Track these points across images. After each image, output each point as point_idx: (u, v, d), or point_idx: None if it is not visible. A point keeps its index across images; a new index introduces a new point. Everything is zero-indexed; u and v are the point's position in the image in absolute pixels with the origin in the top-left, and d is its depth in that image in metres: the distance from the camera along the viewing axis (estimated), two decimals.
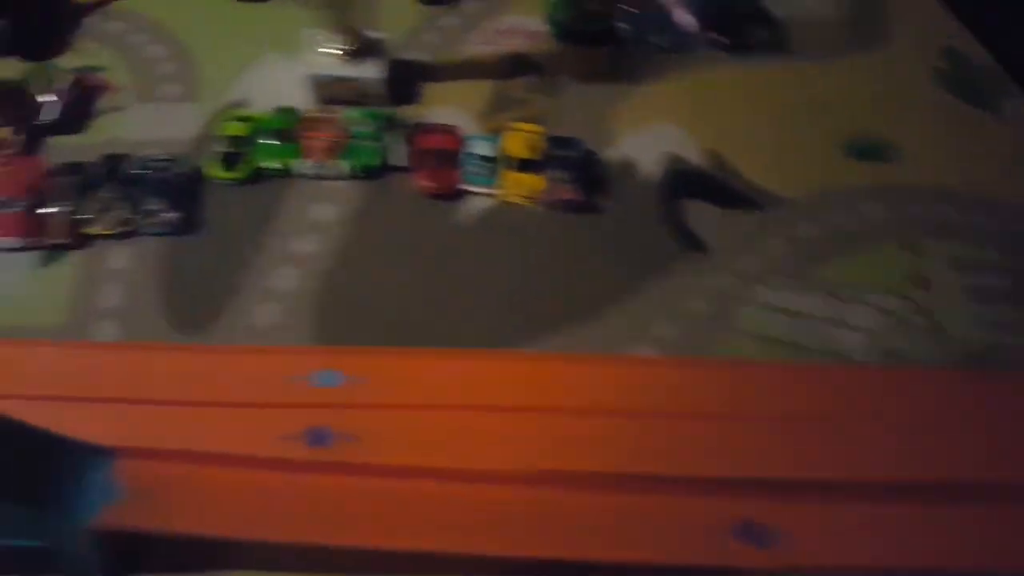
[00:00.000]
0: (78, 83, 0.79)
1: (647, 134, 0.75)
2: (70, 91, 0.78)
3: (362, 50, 0.78)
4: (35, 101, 0.77)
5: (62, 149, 0.75)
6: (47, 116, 0.76)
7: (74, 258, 0.67)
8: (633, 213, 0.69)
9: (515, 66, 0.84)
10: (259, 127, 0.74)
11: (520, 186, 0.71)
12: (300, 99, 0.78)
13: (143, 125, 0.77)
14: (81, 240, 0.67)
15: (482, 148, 0.73)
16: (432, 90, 0.81)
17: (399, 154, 0.73)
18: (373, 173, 0.73)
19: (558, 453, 0.53)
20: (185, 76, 0.82)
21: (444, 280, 0.66)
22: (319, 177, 0.72)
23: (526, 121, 0.76)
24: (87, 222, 0.67)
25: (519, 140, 0.73)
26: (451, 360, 0.60)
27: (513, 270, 0.67)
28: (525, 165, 0.72)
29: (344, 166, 0.72)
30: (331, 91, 0.78)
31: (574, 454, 0.53)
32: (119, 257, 0.67)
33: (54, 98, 0.77)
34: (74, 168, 0.71)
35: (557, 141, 0.73)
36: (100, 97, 0.80)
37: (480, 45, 0.86)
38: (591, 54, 0.84)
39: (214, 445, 0.53)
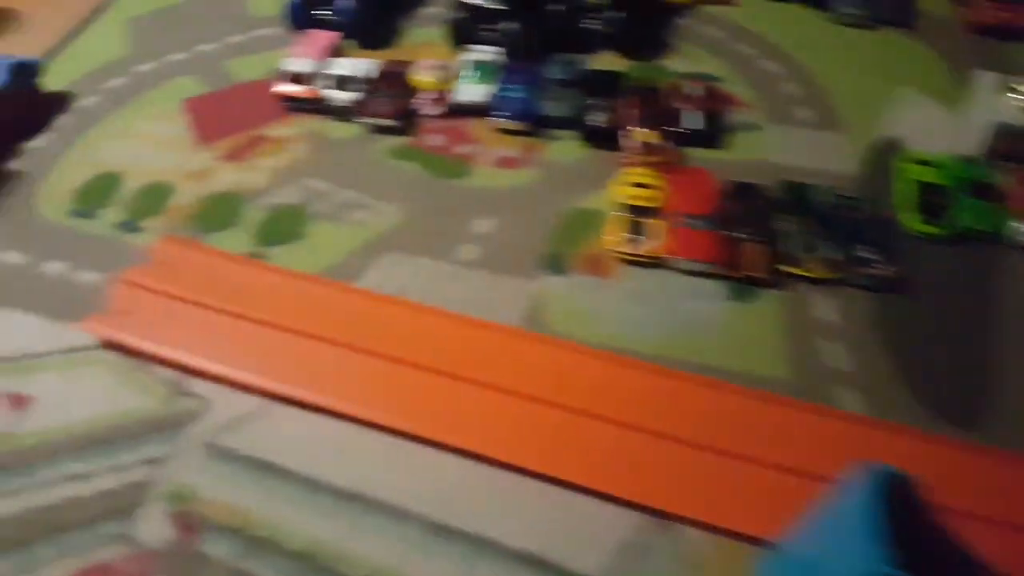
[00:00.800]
0: (711, 93, 0.70)
1: None
2: (704, 100, 0.69)
3: None
4: (670, 105, 0.69)
5: (702, 164, 0.66)
6: (690, 125, 0.67)
7: (771, 297, 0.56)
8: None
9: None
10: (953, 177, 0.62)
11: None
12: (965, 146, 0.65)
13: (784, 150, 0.68)
14: (777, 277, 0.57)
15: None
16: None
17: None
18: None
19: None
20: (815, 101, 0.72)
21: None
22: None
23: None
24: (788, 258, 0.57)
25: None
26: None
27: None
28: None
29: None
30: (1017, 144, 0.65)
31: None
32: (824, 307, 0.56)
33: (690, 106, 0.68)
34: (745, 189, 0.62)
35: None
36: (730, 111, 0.70)
37: None
38: None
39: None
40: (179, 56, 0.81)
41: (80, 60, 0.80)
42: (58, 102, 0.76)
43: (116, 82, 0.78)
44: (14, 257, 0.62)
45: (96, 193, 0.67)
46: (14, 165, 0.70)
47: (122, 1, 0.89)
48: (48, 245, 0.63)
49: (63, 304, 0.58)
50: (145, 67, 0.80)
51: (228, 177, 0.68)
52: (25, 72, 0.73)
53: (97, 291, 0.59)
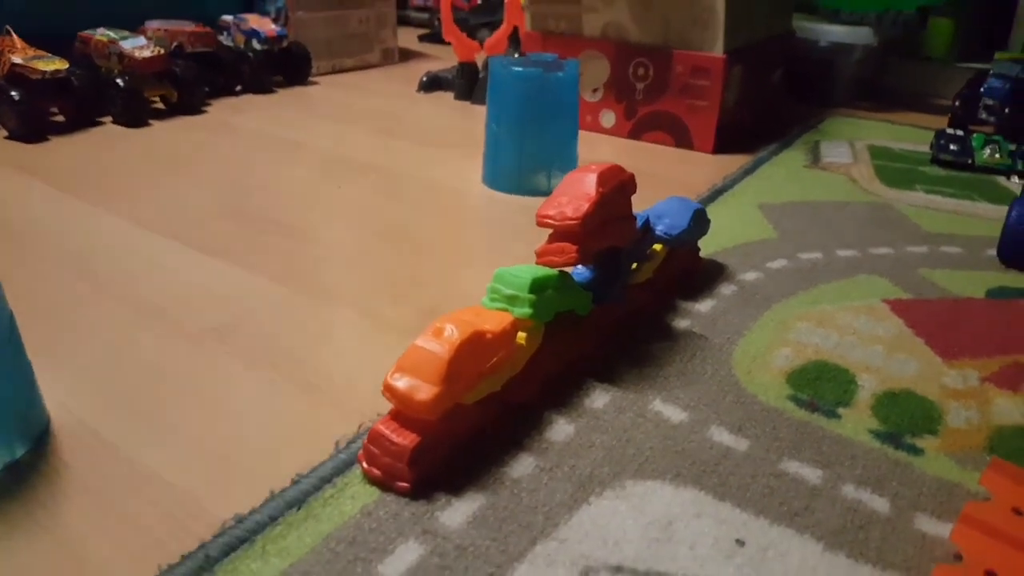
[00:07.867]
0: None
1: None
2: None
3: None
4: None
5: None
6: None
7: None
8: None
9: None
10: None
11: None
12: None
13: None
14: None
15: None
16: None
17: None
18: None
19: None
20: None
21: None
22: None
23: None
24: None
25: None
26: None
27: None
28: None
29: None
30: None
31: None
32: None
33: None
34: None
35: None
36: None
37: None
38: None
39: None
40: (848, 252, 0.63)
41: (718, 232, 0.65)
42: (715, 268, 0.59)
43: (778, 264, 0.61)
44: (733, 441, 0.41)
45: (821, 385, 0.46)
46: (681, 323, 0.52)
47: (745, 188, 0.77)
48: (778, 438, 0.41)
49: (846, 532, 0.34)
50: (810, 255, 0.62)
51: (1014, 410, 0.44)
52: (703, 222, 0.58)
53: (885, 522, 0.35)
